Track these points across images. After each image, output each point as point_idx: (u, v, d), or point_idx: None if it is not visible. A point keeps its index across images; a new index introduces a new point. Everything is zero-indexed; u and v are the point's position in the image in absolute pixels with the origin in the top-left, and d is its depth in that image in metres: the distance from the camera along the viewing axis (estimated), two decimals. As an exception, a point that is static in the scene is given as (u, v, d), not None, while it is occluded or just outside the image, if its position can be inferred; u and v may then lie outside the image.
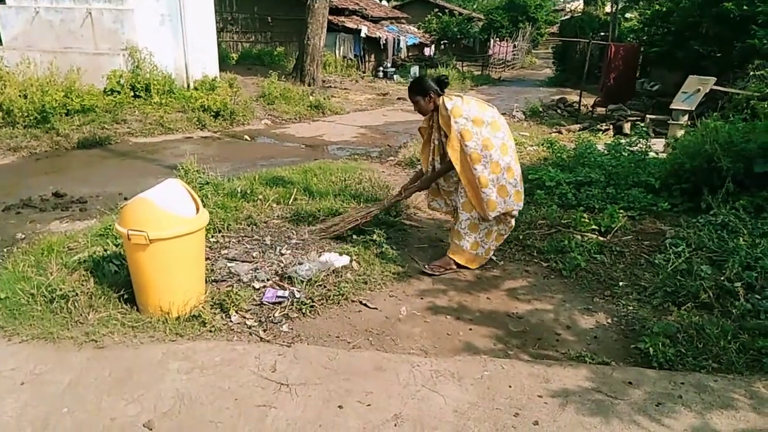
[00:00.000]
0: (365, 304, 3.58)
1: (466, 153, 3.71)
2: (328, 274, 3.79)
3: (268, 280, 3.72)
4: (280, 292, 3.52)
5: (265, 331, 3.19)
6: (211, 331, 3.13)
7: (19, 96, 8.39)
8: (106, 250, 3.87)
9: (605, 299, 3.73)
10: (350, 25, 22.49)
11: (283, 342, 3.07)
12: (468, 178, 3.78)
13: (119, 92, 9.82)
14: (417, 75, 22.42)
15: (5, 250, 4.34)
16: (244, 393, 2.61)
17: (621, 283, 3.87)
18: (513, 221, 4.14)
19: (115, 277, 3.50)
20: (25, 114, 8.20)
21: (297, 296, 3.49)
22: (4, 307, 3.21)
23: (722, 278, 3.54)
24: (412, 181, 4.41)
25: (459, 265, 4.06)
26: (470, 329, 3.36)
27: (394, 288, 3.84)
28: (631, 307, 3.57)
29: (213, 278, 3.75)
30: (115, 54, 10.29)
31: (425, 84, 3.89)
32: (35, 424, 2.38)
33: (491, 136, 3.74)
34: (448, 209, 4.36)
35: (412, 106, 4.07)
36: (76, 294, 3.26)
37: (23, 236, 4.66)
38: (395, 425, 2.42)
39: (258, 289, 3.60)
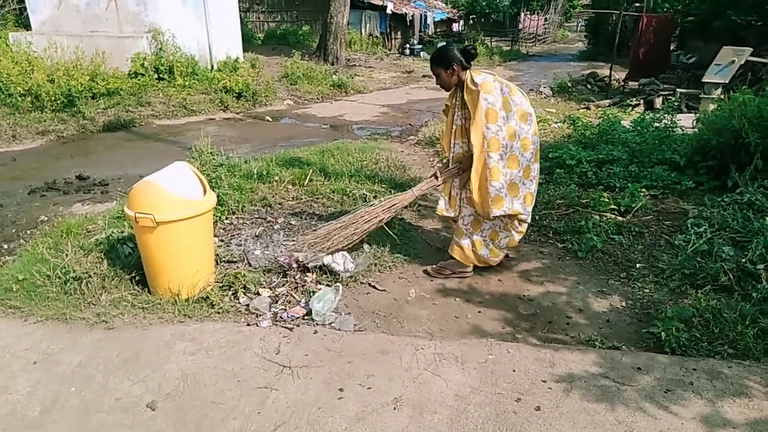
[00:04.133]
0: (374, 286, 3.56)
1: (485, 137, 3.24)
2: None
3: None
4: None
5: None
6: (219, 313, 3.16)
7: (47, 80, 8.55)
8: (122, 232, 3.93)
9: (621, 281, 3.63)
10: (376, 1, 22.21)
11: (289, 324, 3.07)
12: (479, 166, 3.30)
13: (143, 75, 9.93)
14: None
15: (28, 232, 4.47)
16: (247, 375, 2.63)
17: (638, 265, 3.76)
18: (524, 227, 3.65)
19: (128, 259, 3.56)
20: (53, 98, 8.37)
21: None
22: (22, 288, 3.29)
23: (744, 260, 3.39)
24: (444, 166, 3.70)
25: (462, 268, 3.70)
26: (479, 312, 3.32)
27: (404, 270, 3.81)
28: (647, 290, 3.47)
29: (226, 259, 3.79)
30: (138, 37, 10.38)
31: (449, 54, 3.34)
32: (44, 403, 2.45)
33: (517, 125, 3.28)
34: (452, 212, 3.71)
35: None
36: (90, 276, 3.33)
37: (46, 219, 4.78)
38: (394, 409, 2.41)
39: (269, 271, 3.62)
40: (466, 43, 22.80)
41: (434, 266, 3.76)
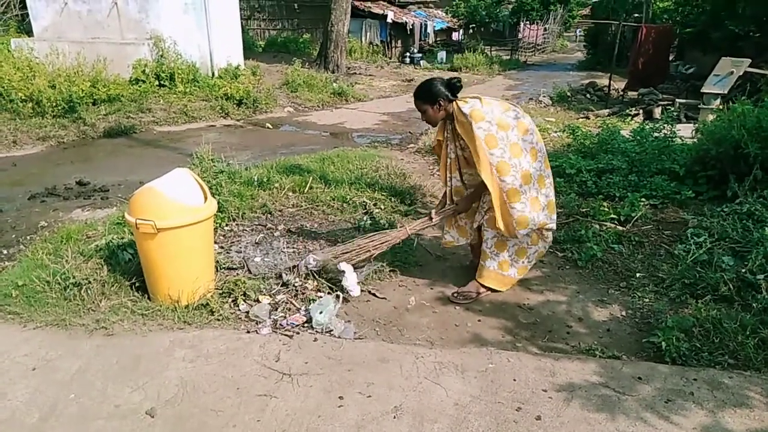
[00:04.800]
0: (374, 294, 3.56)
1: (492, 163, 3.14)
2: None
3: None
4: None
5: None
6: (218, 320, 3.16)
7: (48, 86, 8.58)
8: (122, 238, 3.93)
9: (621, 291, 3.63)
10: (376, 10, 22.36)
11: (289, 332, 3.07)
12: (497, 192, 3.19)
13: (144, 81, 9.97)
14: (443, 60, 22.20)
15: (28, 238, 4.47)
16: (247, 382, 2.62)
17: (638, 275, 3.76)
18: (551, 235, 3.60)
19: (128, 265, 3.55)
20: (54, 104, 8.40)
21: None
22: (21, 294, 3.28)
23: (744, 270, 3.39)
24: (440, 204, 3.71)
25: (490, 289, 3.55)
26: (479, 320, 3.32)
27: (404, 278, 3.81)
28: (647, 300, 3.47)
29: (226, 266, 3.78)
30: (140, 43, 10.43)
31: (434, 89, 3.21)
32: (43, 410, 2.44)
33: (519, 140, 3.20)
34: (464, 239, 3.76)
35: None
36: (90, 282, 3.32)
37: (46, 224, 4.78)
38: (394, 417, 2.40)
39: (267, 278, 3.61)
40: (466, 51, 22.92)
41: (455, 294, 3.56)
